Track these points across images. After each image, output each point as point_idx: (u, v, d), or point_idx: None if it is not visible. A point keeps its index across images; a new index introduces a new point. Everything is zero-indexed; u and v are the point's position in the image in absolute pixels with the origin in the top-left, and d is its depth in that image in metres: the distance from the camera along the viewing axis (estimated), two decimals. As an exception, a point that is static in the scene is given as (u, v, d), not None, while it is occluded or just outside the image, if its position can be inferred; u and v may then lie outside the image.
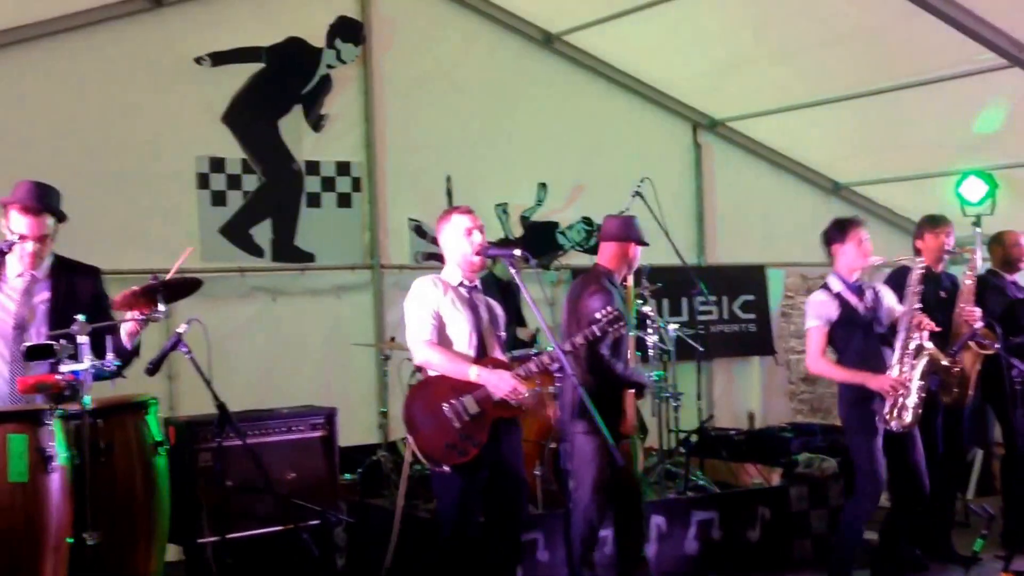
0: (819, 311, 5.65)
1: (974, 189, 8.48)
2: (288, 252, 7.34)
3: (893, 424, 5.56)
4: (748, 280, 9.08)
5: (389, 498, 6.41)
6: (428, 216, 7.66)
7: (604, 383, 5.16)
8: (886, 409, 5.55)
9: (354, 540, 6.12)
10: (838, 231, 5.73)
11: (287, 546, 5.52)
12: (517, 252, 4.59)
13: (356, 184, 7.55)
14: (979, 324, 5.93)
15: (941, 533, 6.43)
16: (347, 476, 6.57)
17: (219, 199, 7.12)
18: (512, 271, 4.64)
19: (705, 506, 6.21)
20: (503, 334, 4.85)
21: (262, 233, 7.28)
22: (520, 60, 8.20)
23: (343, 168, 7.52)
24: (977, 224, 8.47)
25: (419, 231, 7.70)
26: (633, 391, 5.40)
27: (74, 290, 4.67)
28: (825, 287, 5.73)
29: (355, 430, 6.91)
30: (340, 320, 7.49)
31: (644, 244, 5.52)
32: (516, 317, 6.79)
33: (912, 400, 5.58)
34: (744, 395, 9.14)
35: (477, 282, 4.85)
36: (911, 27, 6.85)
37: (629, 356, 5.46)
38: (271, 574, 5.54)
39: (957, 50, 7.02)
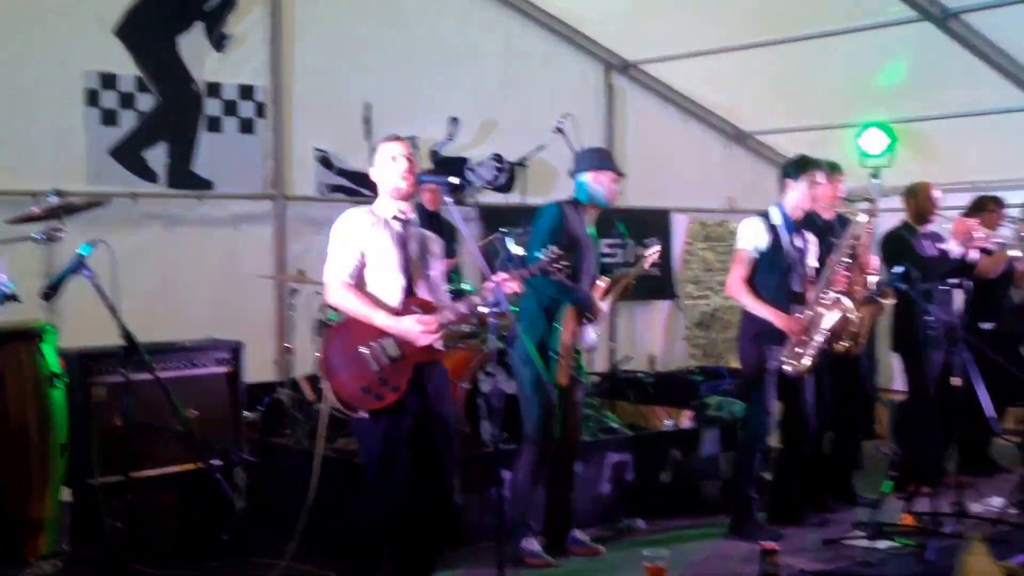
0: (751, 236, 5.70)
1: (874, 141, 8.59)
2: (184, 178, 6.95)
3: (788, 367, 5.61)
4: (653, 224, 9.04)
5: (292, 437, 6.20)
6: (336, 146, 7.41)
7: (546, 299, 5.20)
8: (785, 351, 5.60)
9: (255, 480, 5.86)
10: (797, 168, 5.78)
11: (189, 487, 5.26)
12: (455, 180, 4.38)
13: (260, 109, 7.18)
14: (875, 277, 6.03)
15: (843, 476, 6.52)
16: (247, 414, 6.30)
17: (110, 118, 6.67)
18: (448, 200, 4.42)
19: (620, 448, 6.15)
20: (433, 272, 4.62)
21: (156, 157, 6.87)
22: (434, -10, 7.94)
23: (246, 92, 7.13)
24: (875, 176, 8.59)
25: (325, 162, 7.39)
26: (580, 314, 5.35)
27: None
28: (764, 216, 5.74)
29: (252, 366, 6.57)
30: (238, 251, 7.16)
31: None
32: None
33: (812, 348, 5.64)
34: (645, 338, 9.15)
35: (412, 215, 4.60)
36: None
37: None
38: (170, 516, 5.26)
39: (866, 1, 7.04)
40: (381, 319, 4.37)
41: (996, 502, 6.09)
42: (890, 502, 5.85)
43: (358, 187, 7.29)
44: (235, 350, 5.61)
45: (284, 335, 6.95)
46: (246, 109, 7.14)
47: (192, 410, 5.36)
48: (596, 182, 5.40)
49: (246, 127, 7.14)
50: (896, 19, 7.18)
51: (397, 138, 4.59)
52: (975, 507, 5.94)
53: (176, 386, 5.31)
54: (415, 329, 4.35)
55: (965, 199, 7.36)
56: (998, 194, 7.38)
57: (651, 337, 9.20)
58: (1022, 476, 6.11)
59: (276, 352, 7.06)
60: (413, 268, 4.51)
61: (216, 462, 5.18)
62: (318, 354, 4.69)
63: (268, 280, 7.07)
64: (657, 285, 9.13)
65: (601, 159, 5.52)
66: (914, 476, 6.08)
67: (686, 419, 6.74)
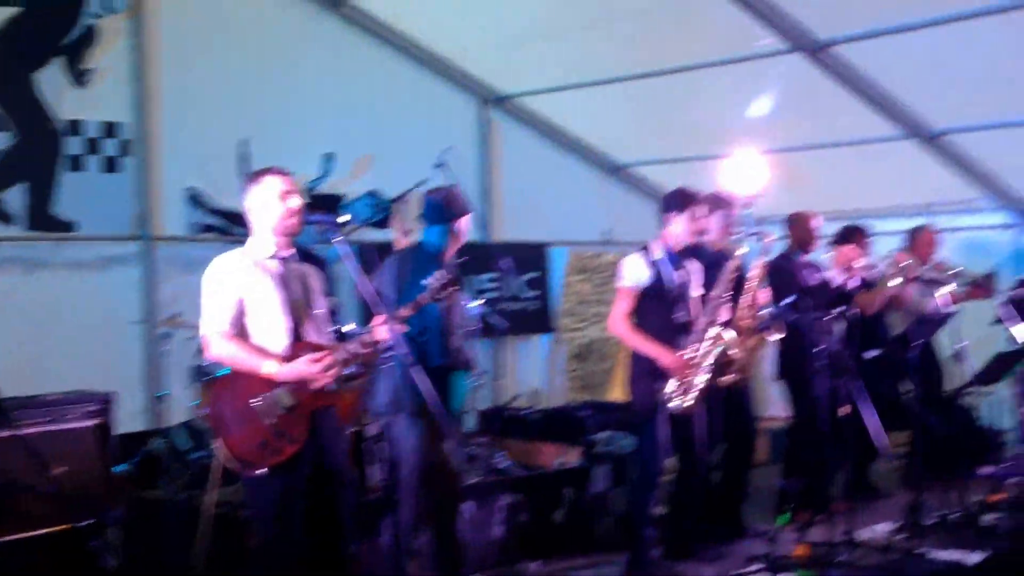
0: (633, 273, 5.63)
1: (745, 172, 8.70)
2: (45, 220, 6.58)
3: (673, 404, 5.57)
4: (532, 258, 9.00)
5: (167, 490, 5.89)
6: (207, 184, 7.11)
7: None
8: (669, 388, 5.56)
9: (129, 538, 5.54)
10: (678, 201, 5.71)
11: (58, 549, 4.93)
12: (344, 218, 4.20)
13: (125, 147, 6.85)
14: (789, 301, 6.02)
15: (732, 508, 6.52)
16: (119, 467, 5.96)
17: (-38, 159, 6.31)
18: (336, 239, 4.24)
19: (512, 489, 6.02)
20: (318, 310, 4.41)
21: (14, 199, 6.48)
22: (308, 23, 7.71)
23: (110, 129, 6.80)
24: (747, 207, 8.72)
25: (195, 200, 7.09)
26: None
27: None
28: (645, 250, 5.69)
29: (122, 416, 6.22)
30: (105, 296, 6.79)
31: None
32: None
33: (699, 383, 5.60)
34: (527, 373, 9.06)
35: (290, 252, 4.39)
36: (697, 8, 6.96)
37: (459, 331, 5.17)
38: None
39: (739, 33, 7.13)
40: (269, 368, 4.15)
41: (881, 528, 6.17)
42: (784, 533, 5.86)
43: (231, 226, 7.03)
44: (105, 401, 5.31)
45: (156, 383, 6.63)
46: (110, 147, 6.80)
47: (60, 466, 5.07)
48: (462, 227, 5.19)
49: (110, 166, 6.81)
50: (768, 51, 7.26)
51: (282, 171, 4.37)
52: (864, 533, 6.00)
53: (42, 442, 5.02)
54: (310, 370, 4.14)
55: (834, 228, 7.50)
56: (866, 222, 7.57)
57: (532, 372, 9.11)
58: (909, 501, 6.18)
59: (148, 400, 6.73)
60: (298, 308, 4.31)
61: (87, 521, 4.90)
62: (207, 411, 4.43)
63: (138, 325, 6.76)
64: (536, 319, 9.09)
65: (465, 203, 5.27)
66: (807, 506, 6.10)
67: (575, 456, 6.65)
